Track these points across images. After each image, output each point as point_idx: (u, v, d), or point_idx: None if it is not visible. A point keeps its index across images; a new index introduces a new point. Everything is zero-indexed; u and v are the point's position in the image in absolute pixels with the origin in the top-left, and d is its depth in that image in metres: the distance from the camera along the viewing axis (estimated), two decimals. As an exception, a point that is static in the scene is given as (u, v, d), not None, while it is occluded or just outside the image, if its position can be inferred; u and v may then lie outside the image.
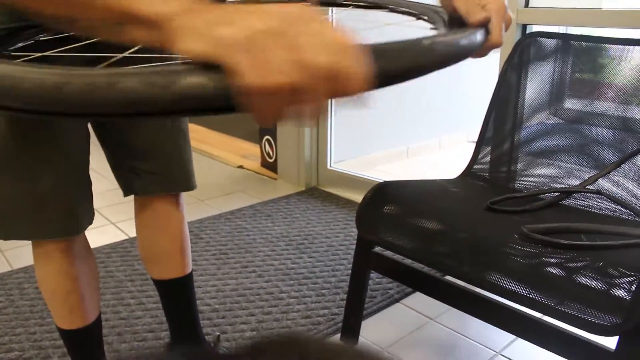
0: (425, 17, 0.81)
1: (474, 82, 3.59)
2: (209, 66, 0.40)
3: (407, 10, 0.87)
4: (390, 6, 0.90)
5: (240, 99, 0.39)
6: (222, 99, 0.40)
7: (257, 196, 2.71)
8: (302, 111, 0.41)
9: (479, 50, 0.68)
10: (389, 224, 1.26)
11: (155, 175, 1.13)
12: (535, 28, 1.87)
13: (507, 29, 0.72)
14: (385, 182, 1.34)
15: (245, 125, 3.61)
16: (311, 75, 0.39)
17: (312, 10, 0.41)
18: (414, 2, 0.88)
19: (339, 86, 0.40)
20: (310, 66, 0.39)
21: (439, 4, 0.80)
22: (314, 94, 0.40)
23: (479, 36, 0.64)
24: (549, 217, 1.31)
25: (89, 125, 1.07)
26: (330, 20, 0.39)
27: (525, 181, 1.55)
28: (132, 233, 2.25)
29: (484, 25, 0.68)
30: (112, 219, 2.37)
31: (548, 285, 1.01)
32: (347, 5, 0.93)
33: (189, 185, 1.18)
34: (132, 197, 1.20)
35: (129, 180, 1.14)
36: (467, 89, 3.60)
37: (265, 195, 2.71)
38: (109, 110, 0.41)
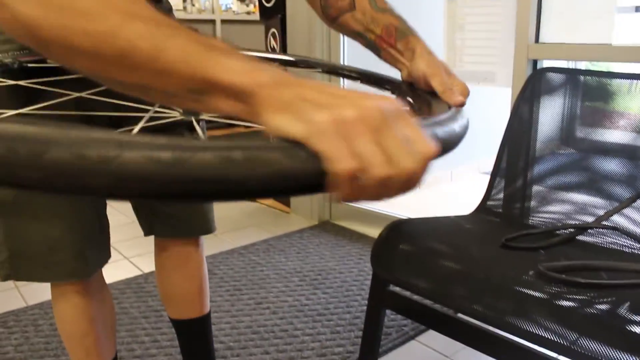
0: (391, 90, 0.87)
1: (484, 113, 3.61)
2: (291, 144, 0.39)
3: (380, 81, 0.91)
4: (352, 74, 0.95)
5: (327, 181, 0.40)
6: (311, 181, 0.39)
7: (271, 230, 2.72)
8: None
9: None
10: (405, 263, 1.26)
11: (176, 220, 1.14)
12: (546, 63, 1.89)
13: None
14: (399, 220, 1.35)
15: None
16: (396, 173, 0.41)
17: (400, 107, 0.43)
18: (367, 71, 0.93)
19: (407, 186, 0.42)
20: (398, 166, 0.41)
21: (405, 77, 0.85)
22: (392, 188, 0.42)
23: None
24: (566, 254, 1.30)
25: None
26: (414, 120, 0.42)
27: (540, 217, 1.55)
28: (147, 268, 2.26)
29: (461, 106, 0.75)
30: (126, 254, 2.38)
31: (565, 325, 1.00)
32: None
33: (208, 229, 1.19)
34: (149, 235, 1.21)
35: (150, 222, 1.16)
36: (477, 121, 3.61)
37: (278, 229, 2.72)
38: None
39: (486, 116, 3.63)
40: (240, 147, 0.37)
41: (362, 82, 0.93)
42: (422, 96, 0.79)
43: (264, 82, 0.43)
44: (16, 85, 0.88)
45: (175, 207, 1.14)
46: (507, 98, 2.05)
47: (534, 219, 1.56)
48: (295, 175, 0.39)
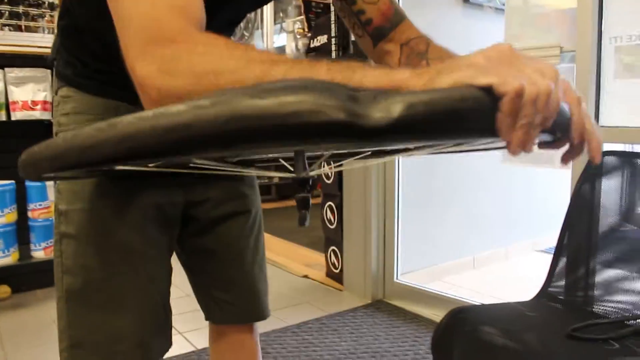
0: None
1: (537, 189, 3.56)
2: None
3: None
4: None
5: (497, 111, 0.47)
6: (408, 124, 0.42)
7: (323, 308, 2.70)
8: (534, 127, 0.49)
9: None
10: (465, 352, 1.23)
11: (233, 306, 1.15)
12: (605, 146, 1.88)
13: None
14: (460, 307, 1.32)
15: (310, 234, 3.66)
16: (548, 81, 0.49)
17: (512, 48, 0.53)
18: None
19: (551, 102, 0.49)
20: (537, 82, 0.48)
21: None
22: (540, 105, 0.48)
23: None
24: (638, 347, 1.25)
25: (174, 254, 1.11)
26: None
27: (606, 305, 1.49)
28: (200, 344, 2.27)
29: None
30: (180, 329, 2.40)
31: None
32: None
33: (264, 315, 1.19)
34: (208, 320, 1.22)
35: (209, 307, 1.17)
36: (532, 198, 3.57)
37: (331, 308, 2.70)
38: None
39: (541, 194, 3.58)
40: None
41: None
42: None
43: (402, 79, 0.48)
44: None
45: (231, 295, 1.14)
46: (561, 176, 2.04)
47: (600, 306, 1.50)
48: (475, 103, 0.45)
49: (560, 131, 0.57)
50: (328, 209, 3.05)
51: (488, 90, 0.45)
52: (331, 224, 3.04)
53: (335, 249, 3.03)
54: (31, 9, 2.91)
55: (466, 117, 0.45)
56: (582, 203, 1.63)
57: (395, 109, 0.41)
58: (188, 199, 1.03)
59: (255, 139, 0.41)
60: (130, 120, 0.45)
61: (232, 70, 0.53)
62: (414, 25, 0.96)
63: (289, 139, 0.41)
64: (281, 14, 5.42)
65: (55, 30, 0.99)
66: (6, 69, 2.78)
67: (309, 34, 4.09)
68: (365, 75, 0.50)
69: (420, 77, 0.49)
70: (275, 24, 5.49)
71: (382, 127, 0.40)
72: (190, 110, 0.42)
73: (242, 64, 0.54)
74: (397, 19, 0.95)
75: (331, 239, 3.06)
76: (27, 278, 2.95)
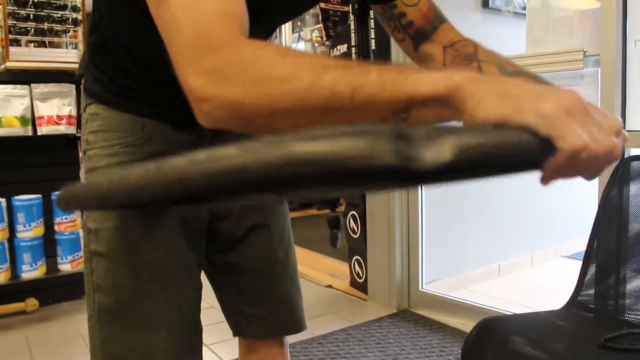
0: None
1: (562, 195, 3.51)
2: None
3: None
4: None
5: (548, 159, 0.47)
6: (461, 167, 0.42)
7: (348, 318, 2.69)
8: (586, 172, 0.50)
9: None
10: (497, 363, 1.22)
11: (263, 320, 1.14)
12: (633, 151, 1.84)
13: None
14: (489, 318, 1.31)
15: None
16: (606, 147, 0.48)
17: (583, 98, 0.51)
18: None
19: (610, 158, 0.49)
20: (601, 139, 0.48)
21: None
22: (602, 162, 0.49)
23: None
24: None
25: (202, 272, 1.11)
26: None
27: (639, 314, 1.46)
28: (227, 357, 2.27)
29: None
30: (206, 341, 2.39)
31: None
32: None
33: (297, 328, 1.18)
34: (237, 336, 1.22)
35: (238, 322, 1.16)
36: (556, 202, 3.52)
37: (356, 318, 2.68)
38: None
39: (566, 199, 3.53)
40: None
41: None
42: None
43: (463, 83, 0.48)
44: None
45: (261, 308, 1.14)
46: (587, 182, 2.00)
47: (632, 315, 1.47)
48: (527, 152, 0.45)
49: None
50: (351, 218, 3.04)
51: (546, 140, 0.46)
52: (354, 233, 3.03)
53: (359, 258, 3.02)
54: (55, 25, 2.95)
55: (516, 163, 0.46)
56: (610, 209, 1.61)
57: (447, 152, 0.41)
58: (213, 214, 1.04)
59: (308, 183, 0.42)
60: (181, 164, 0.45)
61: (283, 78, 0.53)
62: (456, 29, 0.96)
63: (341, 184, 0.42)
64: (299, 23, 5.44)
65: (84, 46, 1.00)
66: (32, 85, 2.83)
67: (327, 43, 4.10)
68: (420, 78, 0.49)
69: (476, 82, 0.48)
70: (293, 32, 5.52)
71: (434, 171, 0.40)
72: (244, 154, 0.42)
73: (292, 71, 0.53)
74: (438, 20, 0.95)
75: (355, 249, 3.05)
76: (54, 291, 2.98)
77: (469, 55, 0.90)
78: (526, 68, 0.87)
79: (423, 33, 0.94)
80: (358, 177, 0.40)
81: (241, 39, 0.58)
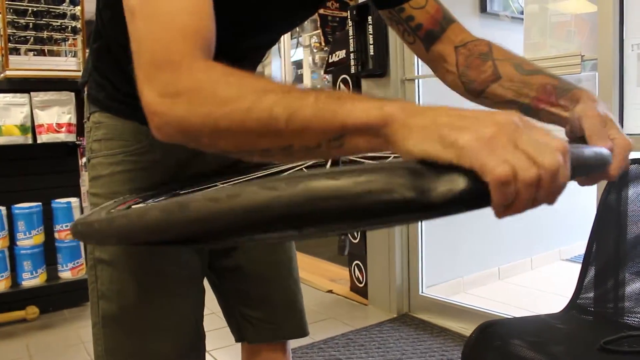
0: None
1: (563, 198, 3.51)
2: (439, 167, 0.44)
3: None
4: None
5: (486, 194, 0.44)
6: (476, 197, 0.44)
7: (349, 323, 2.69)
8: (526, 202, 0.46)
9: (589, 178, 0.69)
10: (497, 368, 1.22)
11: (269, 324, 1.14)
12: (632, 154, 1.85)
13: (625, 169, 0.70)
14: (489, 321, 1.31)
15: (333, 248, 3.66)
16: (543, 171, 0.44)
17: (523, 117, 0.47)
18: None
19: (556, 181, 0.46)
20: (543, 164, 0.44)
21: (567, 133, 0.79)
22: (543, 188, 0.45)
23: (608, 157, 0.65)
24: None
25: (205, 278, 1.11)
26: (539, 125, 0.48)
27: (638, 317, 1.47)
28: (227, 363, 2.27)
29: None
30: (208, 347, 2.39)
31: None
32: None
33: (303, 332, 1.18)
34: (240, 341, 1.22)
35: (241, 327, 1.15)
36: (555, 206, 3.52)
37: (356, 323, 2.69)
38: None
39: (565, 203, 3.53)
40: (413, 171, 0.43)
41: None
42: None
43: (394, 114, 0.47)
44: None
45: (265, 311, 1.14)
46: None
47: (632, 318, 1.48)
48: (466, 192, 0.43)
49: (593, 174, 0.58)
50: (350, 223, 3.05)
51: (472, 174, 0.44)
52: (354, 238, 3.03)
53: (360, 263, 3.02)
54: (55, 33, 2.96)
55: (471, 200, 0.45)
56: (609, 212, 1.61)
57: (459, 182, 0.43)
58: None
59: (330, 218, 0.43)
60: (201, 203, 0.46)
61: (225, 100, 0.54)
62: (467, 29, 0.96)
63: (361, 218, 0.43)
64: (297, 29, 5.45)
65: (83, 54, 1.01)
66: (32, 93, 2.84)
67: (326, 48, 4.11)
68: (354, 107, 0.49)
69: (407, 113, 0.47)
70: (291, 38, 5.53)
71: (448, 201, 0.42)
72: (265, 191, 0.43)
73: (234, 93, 0.54)
74: (447, 21, 0.95)
75: (355, 253, 3.06)
76: (54, 299, 2.98)
77: (482, 54, 0.90)
78: (545, 68, 0.86)
79: (432, 34, 0.94)
80: (379, 210, 0.42)
81: (195, 59, 0.59)
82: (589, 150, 0.58)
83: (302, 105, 0.51)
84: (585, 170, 0.58)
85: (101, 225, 0.59)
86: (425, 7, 0.94)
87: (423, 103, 2.85)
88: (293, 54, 5.61)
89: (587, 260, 1.59)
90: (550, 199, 0.47)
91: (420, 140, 0.45)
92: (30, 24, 2.90)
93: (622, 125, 1.86)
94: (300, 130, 0.51)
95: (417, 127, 0.46)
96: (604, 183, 1.62)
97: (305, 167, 0.92)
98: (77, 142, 2.93)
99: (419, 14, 0.94)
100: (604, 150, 0.62)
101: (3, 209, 2.74)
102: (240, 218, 0.44)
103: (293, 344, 2.40)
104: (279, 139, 0.52)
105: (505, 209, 0.45)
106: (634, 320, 1.46)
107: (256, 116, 0.52)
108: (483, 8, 3.07)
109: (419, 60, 1.11)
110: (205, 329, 1.08)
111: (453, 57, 0.93)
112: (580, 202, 2.57)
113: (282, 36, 5.51)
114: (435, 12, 0.94)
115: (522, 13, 2.58)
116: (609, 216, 1.60)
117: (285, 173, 0.73)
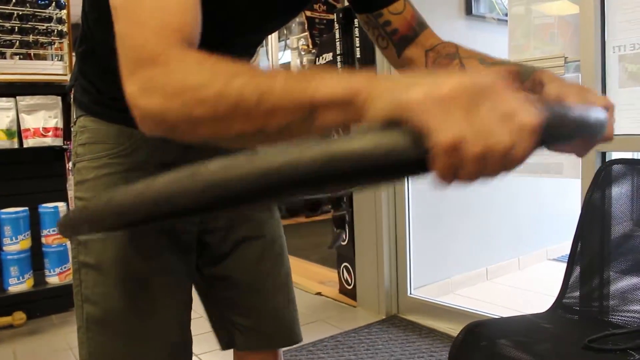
0: None
1: (546, 199, 3.55)
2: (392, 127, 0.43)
3: None
4: None
5: (428, 157, 0.42)
6: (414, 159, 0.42)
7: (338, 325, 2.69)
8: (473, 174, 0.43)
9: (582, 148, 0.67)
10: (484, 367, 1.23)
11: (257, 333, 1.12)
12: (615, 154, 1.88)
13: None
14: (476, 322, 1.32)
15: (321, 250, 3.66)
16: (491, 147, 0.42)
17: (501, 81, 0.44)
18: None
19: (508, 157, 0.43)
20: (493, 140, 0.41)
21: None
22: (490, 164, 0.43)
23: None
24: (656, 357, 1.24)
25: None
26: (518, 91, 0.44)
27: (623, 315, 1.49)
28: (216, 366, 2.27)
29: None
30: (195, 350, 2.38)
31: None
32: None
33: (290, 341, 1.16)
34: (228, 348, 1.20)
35: (230, 334, 1.13)
36: (544, 208, 3.56)
37: (345, 325, 2.69)
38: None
39: (550, 203, 3.57)
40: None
41: None
42: None
43: (360, 85, 0.47)
44: None
45: (256, 320, 1.12)
46: (570, 185, 2.05)
47: (616, 316, 1.50)
48: (398, 153, 0.42)
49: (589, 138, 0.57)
50: (339, 225, 3.06)
51: (419, 135, 0.42)
52: (343, 240, 3.04)
53: (348, 265, 3.03)
54: (41, 37, 2.95)
55: (394, 167, 0.44)
56: (594, 212, 1.63)
57: (397, 141, 0.43)
58: (201, 226, 1.04)
59: (349, 177, 0.43)
60: (217, 168, 0.45)
61: (196, 87, 0.55)
62: (436, 34, 0.98)
63: (379, 176, 0.44)
64: (285, 31, 5.46)
65: (69, 58, 1.01)
66: (17, 97, 2.82)
67: (314, 50, 4.12)
68: (321, 84, 0.49)
69: (373, 82, 0.47)
70: (279, 41, 5.54)
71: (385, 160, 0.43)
72: (286, 153, 0.43)
73: (205, 79, 0.55)
74: (420, 27, 0.97)
75: (343, 255, 3.06)
76: (42, 304, 2.96)
77: (450, 54, 0.92)
78: (507, 60, 0.88)
79: (406, 39, 0.96)
80: (393, 167, 0.42)
81: (173, 53, 0.60)
82: (594, 111, 0.56)
83: (272, 86, 0.51)
84: (588, 131, 0.56)
85: (74, 214, 0.59)
86: (402, 13, 0.95)
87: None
88: (281, 57, 5.61)
89: (572, 260, 1.60)
90: (501, 173, 0.44)
91: (382, 105, 0.45)
92: (16, 27, 2.89)
93: (605, 126, 1.88)
94: (271, 111, 0.51)
95: (381, 92, 0.46)
96: (588, 183, 1.64)
97: None
98: (64, 147, 2.92)
99: (396, 20, 0.95)
100: (600, 110, 0.60)
101: (-11, 214, 2.72)
102: (258, 181, 0.43)
103: (282, 346, 2.40)
104: (252, 121, 0.52)
105: (446, 178, 0.43)
106: (618, 319, 1.48)
107: (226, 100, 0.53)
108: (469, 10, 3.09)
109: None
110: (193, 333, 1.07)
111: (422, 60, 0.95)
112: (567, 202, 2.60)
113: (270, 39, 5.52)
114: (411, 18, 0.96)
115: (507, 15, 2.60)
116: (594, 215, 1.62)
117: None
